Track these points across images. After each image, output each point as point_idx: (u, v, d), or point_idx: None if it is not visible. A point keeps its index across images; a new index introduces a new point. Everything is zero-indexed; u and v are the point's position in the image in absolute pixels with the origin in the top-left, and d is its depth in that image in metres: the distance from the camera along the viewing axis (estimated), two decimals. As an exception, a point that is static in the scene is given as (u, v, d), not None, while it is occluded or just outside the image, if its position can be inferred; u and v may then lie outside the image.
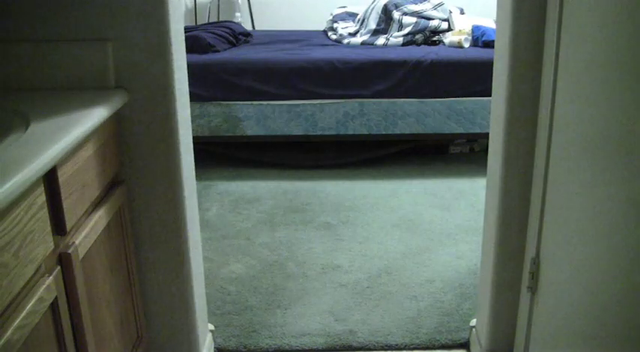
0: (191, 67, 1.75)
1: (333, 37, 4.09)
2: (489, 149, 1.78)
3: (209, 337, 1.93)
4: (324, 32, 4.33)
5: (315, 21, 4.68)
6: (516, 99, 1.57)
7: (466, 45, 3.63)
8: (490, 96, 1.76)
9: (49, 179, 1.14)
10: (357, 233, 2.76)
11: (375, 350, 2.01)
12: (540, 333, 1.58)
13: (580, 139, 1.31)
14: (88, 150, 1.32)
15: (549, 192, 1.50)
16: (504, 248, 1.70)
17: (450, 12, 3.95)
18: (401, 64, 3.39)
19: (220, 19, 4.94)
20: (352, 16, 4.36)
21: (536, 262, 1.59)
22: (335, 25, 4.24)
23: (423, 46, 3.74)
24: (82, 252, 1.27)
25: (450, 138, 3.68)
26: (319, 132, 3.43)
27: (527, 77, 1.55)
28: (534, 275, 1.60)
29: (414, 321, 2.12)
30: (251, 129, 3.42)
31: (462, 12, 4.13)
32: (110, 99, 1.43)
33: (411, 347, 2.01)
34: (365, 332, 2.07)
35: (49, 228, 1.12)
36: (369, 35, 3.92)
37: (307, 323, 2.12)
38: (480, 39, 3.71)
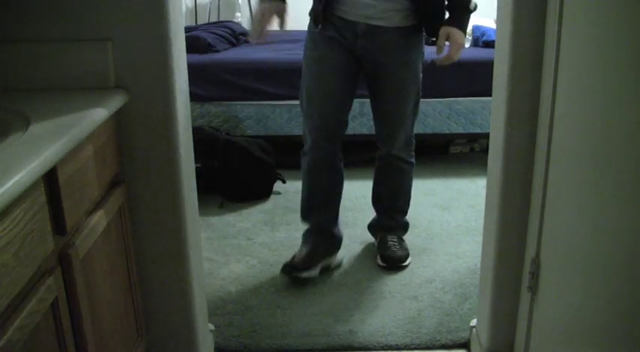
0: (191, 67, 1.75)
1: (333, 37, 4.08)
2: (489, 149, 1.78)
3: (209, 337, 1.93)
4: (324, 32, 4.31)
5: (315, 21, 4.66)
6: (516, 99, 1.57)
7: (466, 45, 3.62)
8: (490, 96, 1.76)
9: (49, 179, 1.14)
10: (357, 233, 2.75)
11: (375, 350, 2.01)
12: (540, 333, 1.58)
13: (580, 139, 1.31)
14: (88, 151, 1.32)
15: (549, 192, 1.50)
16: (504, 248, 1.70)
17: (451, 12, 3.94)
18: (401, 64, 3.38)
19: (220, 19, 4.94)
20: (352, 16, 4.35)
21: (536, 262, 1.58)
22: (335, 24, 4.22)
23: (423, 46, 3.73)
24: (82, 252, 1.27)
25: (450, 138, 3.68)
26: (319, 132, 3.42)
27: (527, 77, 1.55)
28: (534, 275, 1.59)
29: (414, 321, 2.12)
30: (251, 129, 3.42)
31: (462, 12, 4.11)
32: (110, 99, 1.43)
33: (411, 347, 2.01)
34: (365, 332, 2.07)
35: (49, 228, 1.12)
36: (369, 35, 3.91)
37: (307, 323, 2.12)
38: (480, 39, 3.71)
